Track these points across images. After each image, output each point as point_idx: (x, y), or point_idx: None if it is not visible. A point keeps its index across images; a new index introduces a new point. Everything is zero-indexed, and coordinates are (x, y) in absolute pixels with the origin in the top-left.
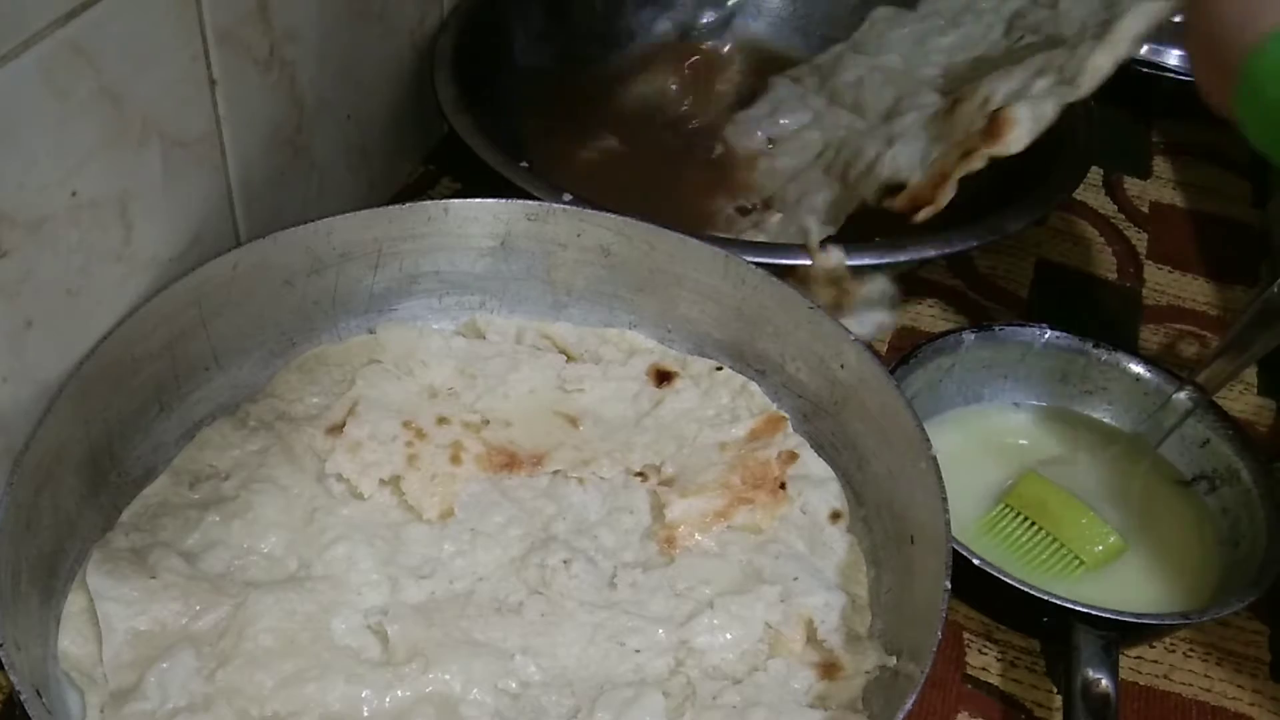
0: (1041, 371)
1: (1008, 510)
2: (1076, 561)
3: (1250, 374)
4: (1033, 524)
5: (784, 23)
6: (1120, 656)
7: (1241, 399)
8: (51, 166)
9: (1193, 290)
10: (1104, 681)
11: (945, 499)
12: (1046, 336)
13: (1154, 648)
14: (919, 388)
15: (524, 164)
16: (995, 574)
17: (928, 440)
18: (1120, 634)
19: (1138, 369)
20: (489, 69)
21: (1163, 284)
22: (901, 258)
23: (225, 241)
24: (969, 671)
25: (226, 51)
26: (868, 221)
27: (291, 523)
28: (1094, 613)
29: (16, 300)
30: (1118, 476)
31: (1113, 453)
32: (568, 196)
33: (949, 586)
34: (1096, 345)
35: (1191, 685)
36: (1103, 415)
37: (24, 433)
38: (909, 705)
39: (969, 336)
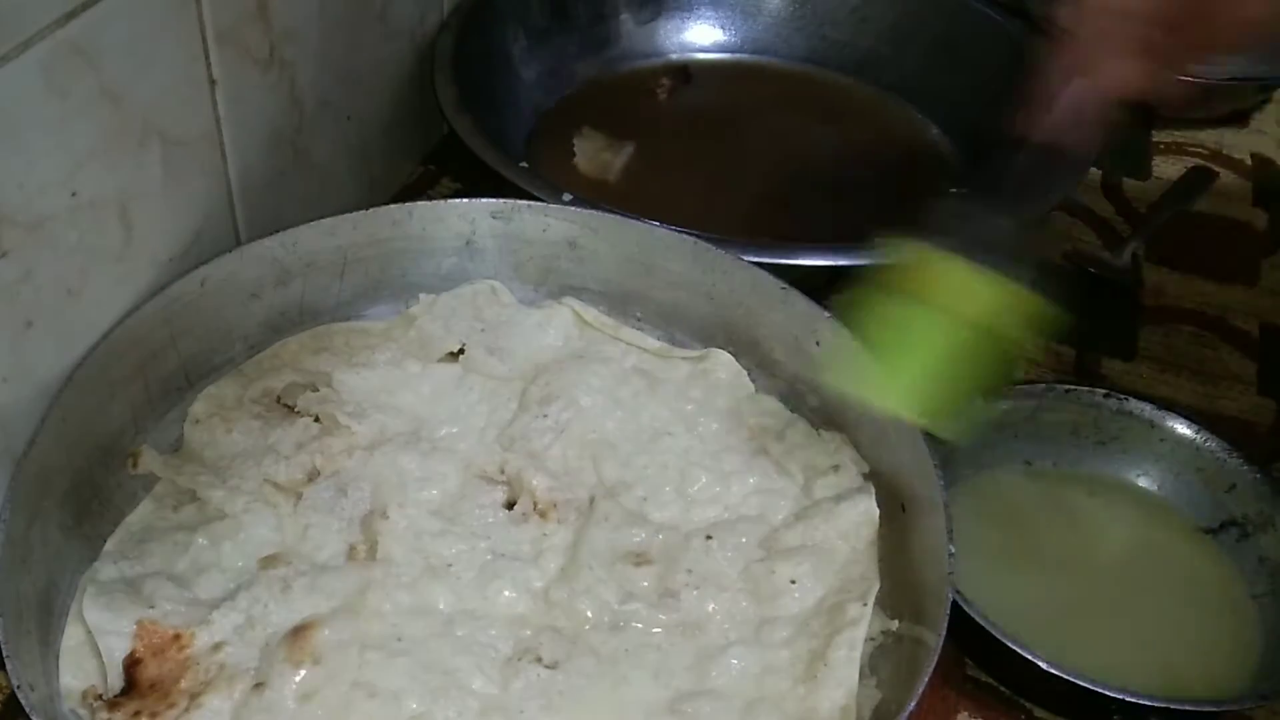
0: (1052, 427)
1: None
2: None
3: (1250, 373)
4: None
5: (784, 23)
6: None
7: (1241, 399)
8: (51, 166)
9: (1193, 290)
10: None
11: (937, 466)
12: (1055, 390)
13: None
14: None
15: (523, 164)
16: (1058, 673)
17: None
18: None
19: (1150, 414)
20: (489, 69)
21: (1163, 284)
22: None
23: (225, 241)
24: (969, 672)
25: (226, 51)
26: (867, 222)
27: (284, 540)
28: (1186, 708)
29: (16, 300)
30: (1136, 533)
31: (1130, 508)
32: (567, 196)
33: (953, 551)
34: (1106, 395)
35: None
36: (1118, 466)
37: (24, 433)
38: (926, 676)
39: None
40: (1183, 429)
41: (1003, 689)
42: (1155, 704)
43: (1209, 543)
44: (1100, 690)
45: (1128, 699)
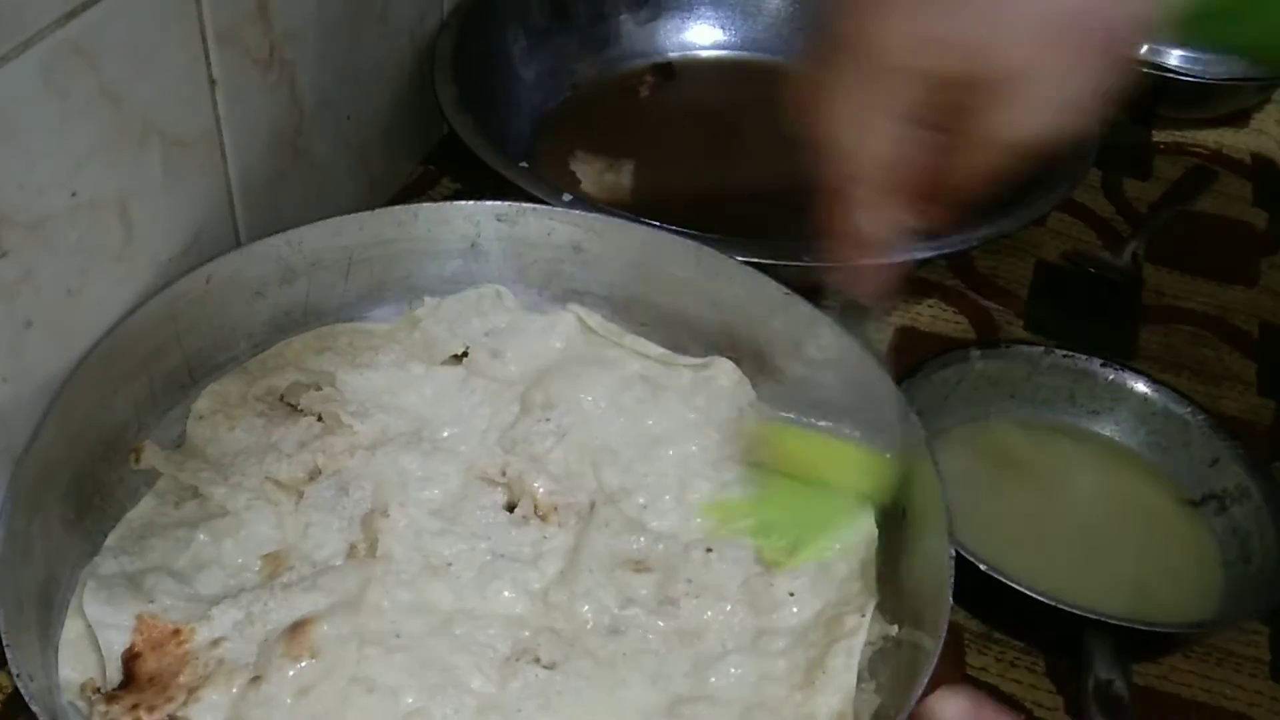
0: (1049, 390)
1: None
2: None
3: (1250, 374)
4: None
5: (784, 23)
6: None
7: (1241, 399)
8: (51, 166)
9: (1193, 290)
10: (1117, 683)
11: (939, 468)
12: (1053, 354)
13: (1160, 664)
14: (923, 404)
15: (524, 164)
16: (1002, 579)
17: (914, 414)
18: (1131, 642)
19: (1145, 389)
20: (489, 69)
21: (1163, 284)
22: (901, 258)
23: (225, 241)
24: (969, 672)
25: (226, 51)
26: None
27: (285, 538)
28: (1105, 620)
29: (16, 300)
30: (1121, 496)
31: (1118, 472)
32: (567, 196)
33: (954, 554)
34: (1104, 364)
35: (1191, 685)
36: (1111, 435)
37: (23, 433)
38: (924, 681)
39: (975, 353)
40: (1173, 404)
41: (1003, 689)
42: (1089, 616)
43: (1192, 514)
44: (1069, 609)
45: (1090, 616)
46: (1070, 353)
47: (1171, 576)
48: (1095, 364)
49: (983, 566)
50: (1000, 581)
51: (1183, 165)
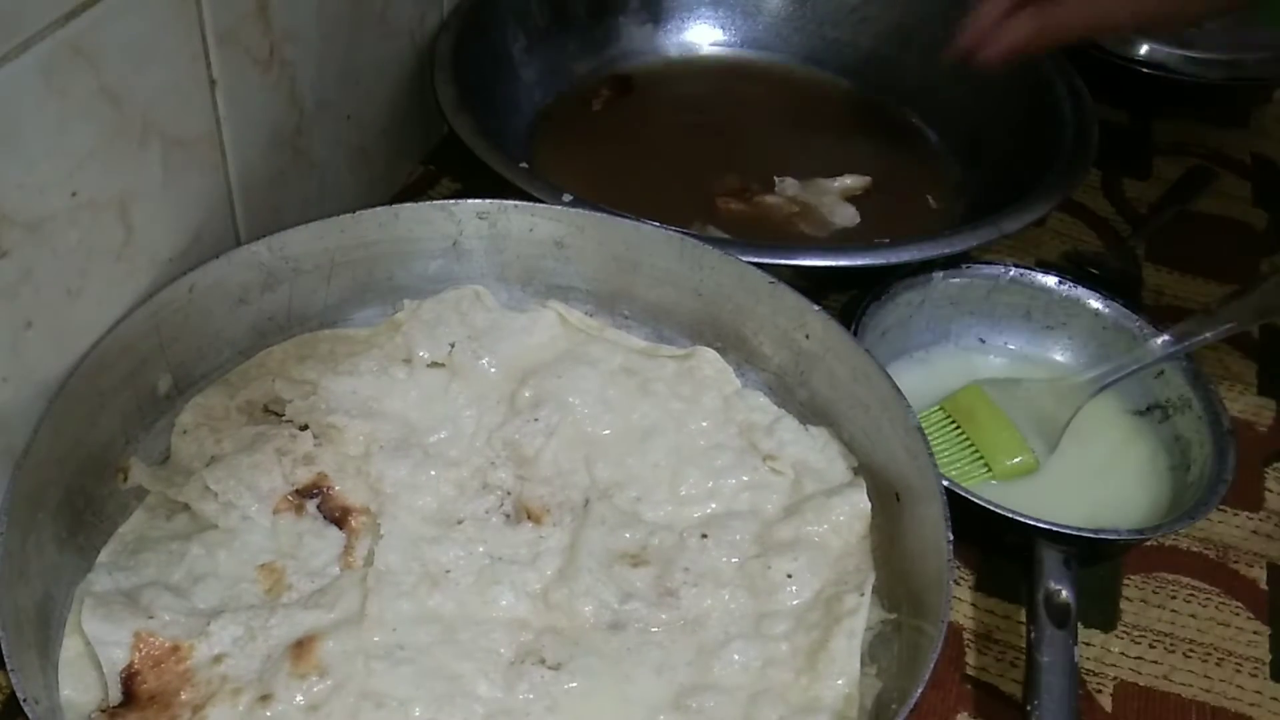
0: (1006, 308)
1: (940, 413)
2: (986, 469)
3: (1250, 374)
4: (958, 428)
5: (784, 23)
6: (1112, 638)
7: (1241, 399)
8: (51, 166)
9: (1193, 290)
10: (1064, 592)
11: (932, 454)
12: (1011, 273)
13: (1154, 648)
14: (890, 324)
15: (523, 164)
16: (963, 494)
17: (904, 398)
18: (1079, 550)
19: (1097, 304)
20: (489, 69)
21: (1163, 284)
22: (902, 258)
23: (225, 241)
24: (968, 671)
25: (226, 51)
26: (868, 223)
27: (279, 547)
28: (1055, 529)
29: (16, 300)
30: (1070, 406)
31: (1068, 384)
32: (568, 196)
33: (951, 538)
34: (1060, 282)
35: (1191, 685)
36: (1062, 349)
37: (24, 433)
38: (932, 663)
39: (938, 274)
40: (1123, 319)
41: (1003, 689)
42: (1041, 525)
43: (1138, 422)
44: (996, 510)
45: (1019, 519)
46: (1027, 269)
47: (1124, 483)
48: (1052, 280)
49: (944, 482)
50: (961, 495)
51: (1183, 165)
